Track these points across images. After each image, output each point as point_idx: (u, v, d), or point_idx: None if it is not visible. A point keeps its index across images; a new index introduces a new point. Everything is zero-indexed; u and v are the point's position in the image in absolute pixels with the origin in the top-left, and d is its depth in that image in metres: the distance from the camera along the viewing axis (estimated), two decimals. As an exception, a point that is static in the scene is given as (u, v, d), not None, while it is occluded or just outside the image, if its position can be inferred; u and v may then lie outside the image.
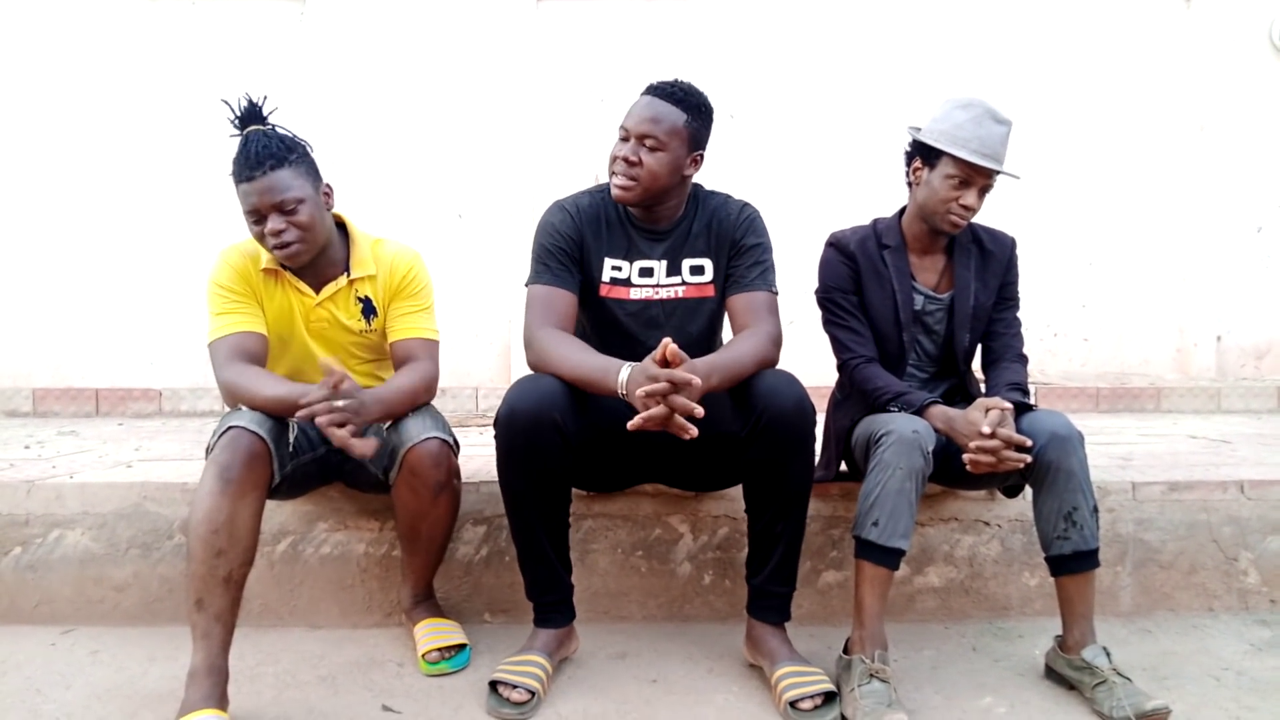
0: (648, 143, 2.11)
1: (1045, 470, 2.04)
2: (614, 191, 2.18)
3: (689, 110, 2.15)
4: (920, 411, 2.15)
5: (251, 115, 2.15)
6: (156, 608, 2.49)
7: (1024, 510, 2.51)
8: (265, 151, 2.06)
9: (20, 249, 5.18)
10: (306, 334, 2.28)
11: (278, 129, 2.16)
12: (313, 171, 2.17)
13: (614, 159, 2.16)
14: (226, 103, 2.14)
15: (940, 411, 2.15)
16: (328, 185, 2.22)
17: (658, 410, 1.85)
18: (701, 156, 2.22)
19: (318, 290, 2.25)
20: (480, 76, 5.20)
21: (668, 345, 1.87)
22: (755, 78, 5.20)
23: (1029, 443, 2.00)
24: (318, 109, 4.99)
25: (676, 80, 2.20)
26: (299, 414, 1.90)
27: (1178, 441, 3.60)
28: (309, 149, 2.19)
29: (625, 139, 2.15)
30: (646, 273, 2.25)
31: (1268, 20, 5.16)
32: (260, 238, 2.12)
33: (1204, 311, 5.20)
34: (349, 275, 2.27)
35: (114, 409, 5.01)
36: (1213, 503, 2.58)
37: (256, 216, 2.09)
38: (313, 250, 2.16)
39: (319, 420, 1.88)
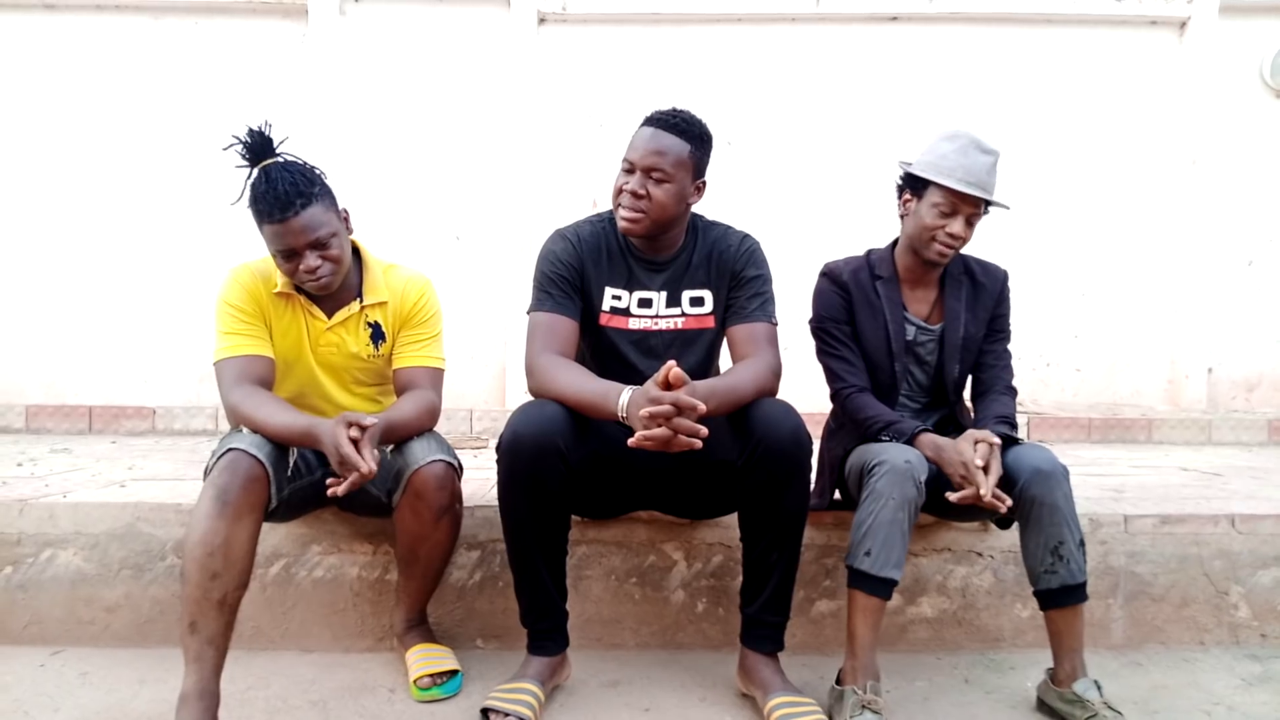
0: (654, 175, 2.12)
1: (1030, 505, 2.06)
2: (621, 224, 2.19)
3: (692, 140, 2.16)
4: (911, 440, 2.17)
5: (264, 148, 2.12)
6: (148, 629, 2.48)
7: (1016, 541, 2.48)
8: (294, 189, 2.05)
9: (14, 265, 5.19)
10: (313, 358, 2.29)
11: (293, 160, 2.15)
12: (334, 200, 2.17)
13: (619, 191, 2.17)
14: (237, 138, 2.11)
15: (930, 440, 2.17)
16: (345, 210, 2.22)
17: (659, 431, 1.86)
18: (704, 184, 2.24)
19: (330, 315, 2.26)
20: (480, 100, 5.24)
21: (671, 368, 1.88)
22: (753, 105, 5.25)
23: (1009, 502, 2.03)
24: (317, 130, 5.02)
25: (676, 110, 2.20)
26: (331, 490, 1.96)
27: (1169, 474, 3.62)
28: (325, 176, 2.19)
29: (630, 171, 2.16)
30: (645, 304, 2.27)
31: (1259, 57, 5.24)
32: (292, 273, 2.13)
33: (1195, 344, 5.23)
34: (361, 301, 2.28)
35: (107, 427, 5.01)
36: (1204, 536, 2.59)
37: (289, 254, 2.09)
38: (341, 278, 2.18)
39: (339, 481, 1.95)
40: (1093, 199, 5.27)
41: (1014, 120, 5.17)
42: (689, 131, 2.17)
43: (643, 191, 2.13)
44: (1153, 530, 2.59)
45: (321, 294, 2.20)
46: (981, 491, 2.01)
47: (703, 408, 1.87)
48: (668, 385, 1.89)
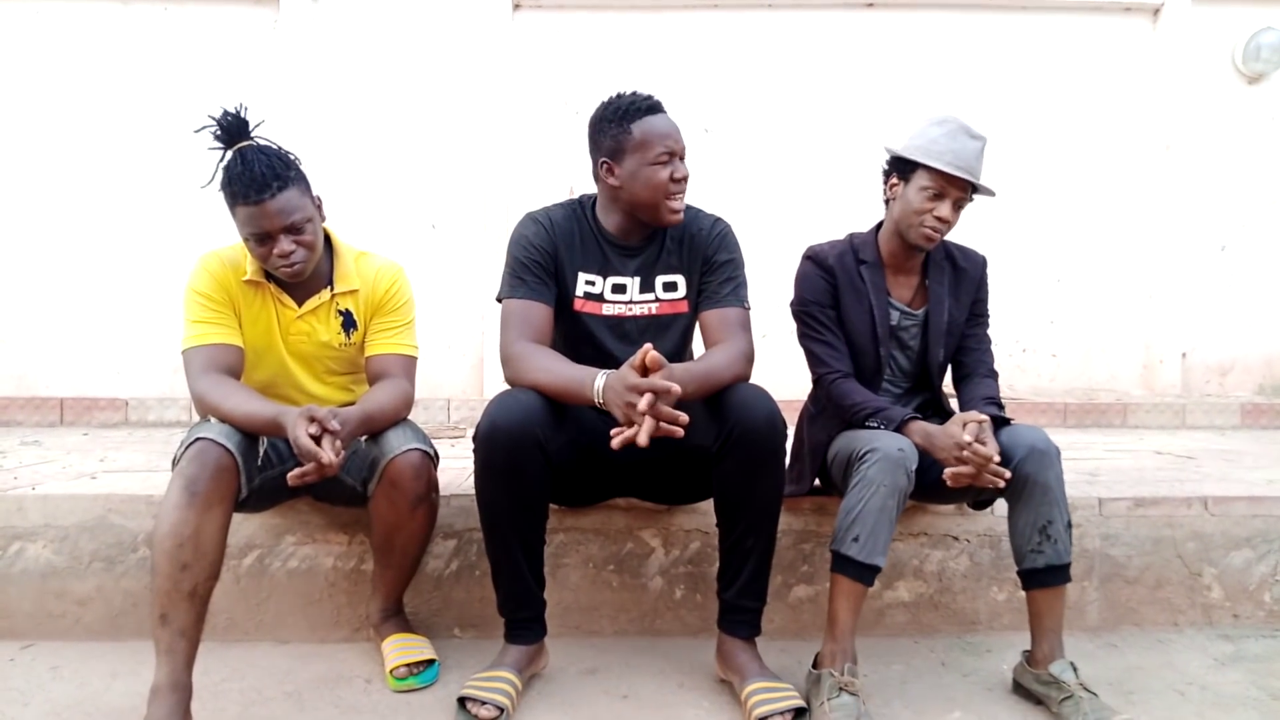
0: (680, 157, 2.16)
1: (1022, 484, 2.06)
2: (673, 217, 2.17)
3: None
4: (900, 427, 2.17)
5: (239, 130, 2.09)
6: (119, 622, 2.45)
7: (992, 525, 2.53)
8: (270, 171, 2.02)
9: (-16, 255, 5.11)
10: (283, 347, 2.26)
11: (268, 144, 2.11)
12: (309, 186, 2.14)
13: (672, 181, 2.13)
14: (213, 118, 2.07)
15: (919, 427, 2.16)
16: (318, 197, 2.19)
17: (647, 424, 1.84)
18: None
19: (300, 303, 2.23)
20: (455, 86, 5.20)
21: (648, 352, 1.87)
22: (730, 92, 5.23)
23: (996, 458, 2.02)
24: (289, 117, 4.96)
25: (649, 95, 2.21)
26: (290, 479, 1.91)
27: (1144, 457, 3.65)
28: (300, 162, 2.16)
29: (671, 157, 2.14)
30: (619, 289, 2.26)
31: (1231, 43, 5.27)
32: (264, 258, 2.09)
33: (1170, 328, 5.28)
34: (332, 289, 2.25)
35: (79, 418, 4.94)
36: (1178, 518, 2.61)
37: (262, 238, 2.06)
38: (313, 265, 2.16)
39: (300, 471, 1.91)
40: (1068, 185, 5.30)
41: (989, 106, 5.18)
42: None
43: (687, 174, 2.17)
44: (1127, 513, 2.61)
45: (294, 281, 2.17)
46: (988, 454, 2.00)
47: (678, 390, 1.85)
48: (644, 369, 1.88)
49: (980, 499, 2.35)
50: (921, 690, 2.17)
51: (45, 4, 5.09)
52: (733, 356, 2.11)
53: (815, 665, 2.07)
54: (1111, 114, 5.31)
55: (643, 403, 1.84)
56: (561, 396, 2.01)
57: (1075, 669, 2.02)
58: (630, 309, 2.26)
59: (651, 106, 2.17)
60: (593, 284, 2.25)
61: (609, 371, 1.94)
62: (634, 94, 2.19)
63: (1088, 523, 2.58)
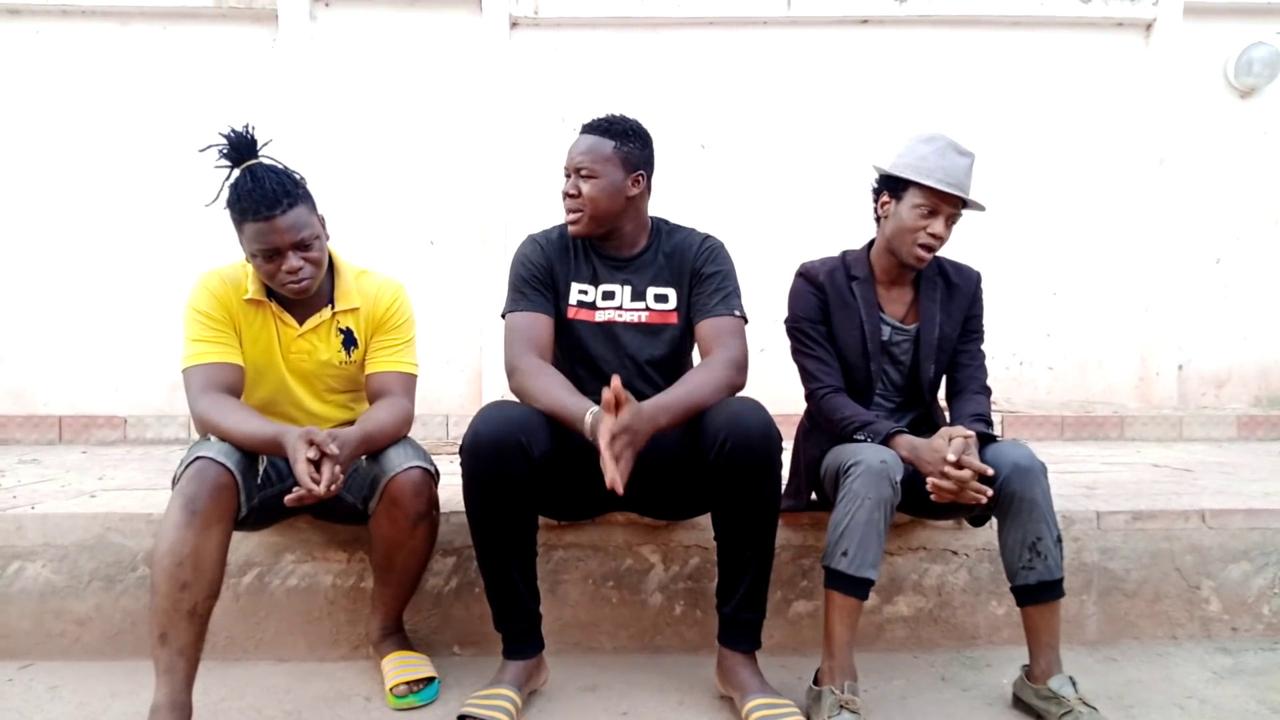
0: (583, 173, 2.25)
1: (1009, 501, 2.07)
2: (569, 229, 2.31)
3: (615, 136, 2.26)
4: (886, 440, 2.18)
5: (248, 148, 2.10)
6: (119, 641, 2.45)
7: (991, 539, 2.53)
8: (280, 188, 2.04)
9: (-17, 274, 5.12)
10: (284, 365, 2.26)
11: (275, 162, 2.13)
12: (314, 205, 2.16)
13: (563, 197, 2.29)
14: (223, 135, 2.09)
15: (906, 440, 2.17)
16: (321, 216, 2.21)
17: (609, 468, 1.86)
18: (643, 178, 2.30)
19: (301, 322, 2.24)
20: (453, 104, 5.23)
21: (616, 388, 1.89)
22: (726, 108, 5.26)
23: (990, 471, 2.03)
24: (289, 136, 4.98)
25: (606, 115, 2.33)
26: (288, 500, 1.91)
27: (1141, 470, 3.65)
28: (305, 181, 2.18)
29: (567, 177, 2.29)
30: (609, 296, 2.33)
31: (1223, 57, 5.31)
32: (272, 275, 2.10)
33: (1166, 341, 5.30)
34: (333, 308, 2.26)
35: (78, 436, 4.94)
36: (1175, 532, 2.62)
37: (271, 254, 2.07)
38: (319, 282, 2.17)
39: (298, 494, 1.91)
40: (1063, 199, 5.33)
41: (985, 122, 5.22)
42: (611, 130, 2.28)
43: (575, 191, 2.26)
44: (1125, 526, 2.61)
45: (299, 298, 2.17)
46: (968, 461, 2.02)
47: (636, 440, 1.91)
48: (616, 405, 1.90)
49: (977, 514, 2.36)
50: (921, 706, 2.17)
51: (44, 24, 5.12)
52: (713, 373, 2.13)
53: (816, 682, 2.08)
54: (1105, 128, 5.34)
55: (605, 447, 1.85)
56: (559, 420, 2.05)
57: (1074, 683, 2.02)
58: (621, 314, 2.32)
59: (584, 128, 2.32)
60: (585, 292, 2.33)
61: (596, 409, 1.97)
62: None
63: (1086, 536, 2.59)
